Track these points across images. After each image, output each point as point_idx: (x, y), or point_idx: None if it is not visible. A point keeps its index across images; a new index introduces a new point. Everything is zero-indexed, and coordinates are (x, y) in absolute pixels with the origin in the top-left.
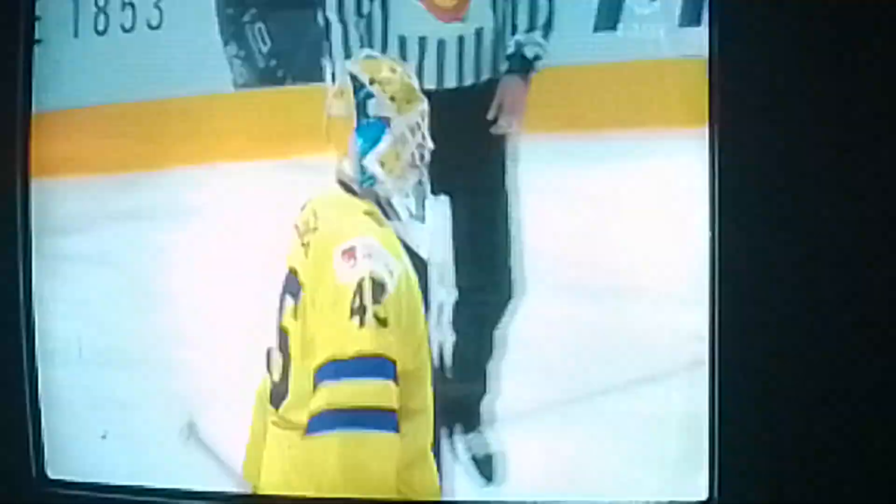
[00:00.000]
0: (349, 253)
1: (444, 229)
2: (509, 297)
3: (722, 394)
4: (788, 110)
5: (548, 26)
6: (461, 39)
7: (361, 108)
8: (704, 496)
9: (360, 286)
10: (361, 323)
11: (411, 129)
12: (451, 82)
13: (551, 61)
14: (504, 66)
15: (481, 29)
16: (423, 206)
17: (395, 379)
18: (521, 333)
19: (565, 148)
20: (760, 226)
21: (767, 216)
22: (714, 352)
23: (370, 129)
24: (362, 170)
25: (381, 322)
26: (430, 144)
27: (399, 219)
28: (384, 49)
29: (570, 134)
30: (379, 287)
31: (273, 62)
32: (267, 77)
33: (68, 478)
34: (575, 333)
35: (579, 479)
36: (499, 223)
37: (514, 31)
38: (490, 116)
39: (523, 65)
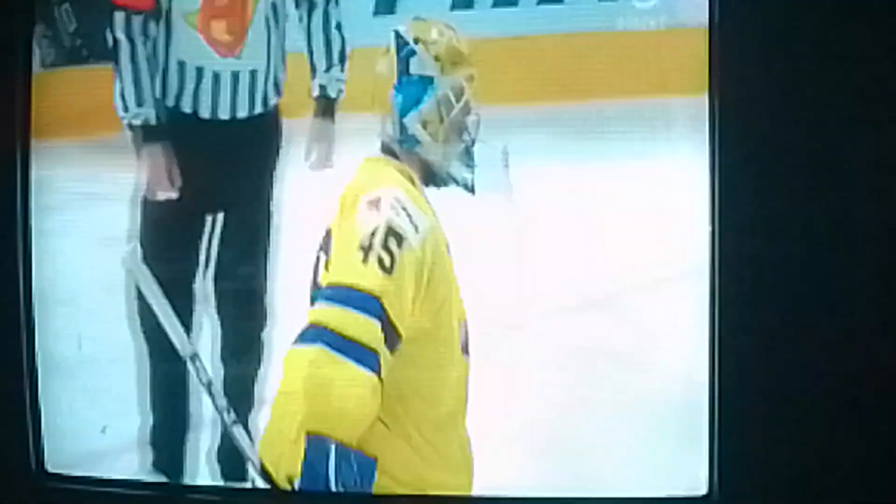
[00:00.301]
0: (374, 202)
1: (495, 200)
2: (263, 326)
3: (722, 388)
4: (790, 77)
5: (342, 59)
6: (236, 74)
7: (403, 66)
8: (704, 491)
9: (375, 230)
10: (364, 260)
11: (455, 93)
12: (224, 114)
13: (557, 28)
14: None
15: (255, 66)
16: (472, 175)
17: (383, 324)
18: (517, 333)
19: (562, 116)
20: (762, 199)
21: (769, 188)
22: (714, 345)
23: (412, 86)
24: (403, 129)
25: (385, 268)
26: (477, 110)
27: (444, 185)
28: (164, 75)
29: (569, 103)
30: (394, 236)
31: (78, 42)
32: (73, 57)
33: (67, 472)
34: (573, 327)
35: (579, 475)
36: (258, 251)
37: (313, 73)
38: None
39: (328, 104)
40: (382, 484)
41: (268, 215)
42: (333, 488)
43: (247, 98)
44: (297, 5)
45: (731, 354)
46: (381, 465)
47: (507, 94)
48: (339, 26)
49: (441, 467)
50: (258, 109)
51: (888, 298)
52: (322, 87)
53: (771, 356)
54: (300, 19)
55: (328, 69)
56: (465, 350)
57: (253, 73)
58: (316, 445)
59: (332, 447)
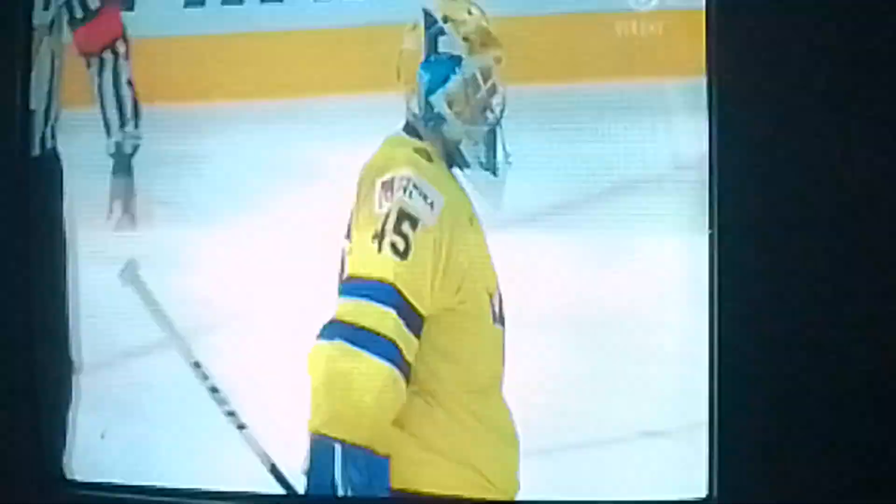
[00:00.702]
0: (386, 186)
1: (519, 182)
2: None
3: (722, 391)
4: (790, 58)
5: (137, 114)
6: None
7: (432, 44)
8: (704, 494)
9: (387, 215)
10: (379, 249)
11: (483, 73)
12: None
13: (547, 10)
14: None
15: (34, 108)
16: (495, 155)
17: (400, 310)
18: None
19: (556, 97)
20: (763, 184)
21: (770, 173)
22: (713, 348)
23: (439, 65)
24: (429, 107)
25: (399, 253)
26: (503, 91)
27: (467, 166)
28: None
29: (563, 85)
30: (407, 219)
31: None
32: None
33: (69, 477)
34: (569, 334)
35: (577, 477)
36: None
37: (108, 132)
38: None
39: (125, 160)
40: (423, 459)
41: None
42: (341, 491)
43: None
44: (88, 65)
45: (731, 356)
46: (425, 441)
47: (537, 81)
48: (129, 83)
49: (486, 441)
50: (35, 152)
51: (893, 297)
52: (118, 145)
53: (771, 357)
54: (91, 79)
55: (122, 126)
56: (500, 321)
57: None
58: (320, 447)
59: (338, 448)
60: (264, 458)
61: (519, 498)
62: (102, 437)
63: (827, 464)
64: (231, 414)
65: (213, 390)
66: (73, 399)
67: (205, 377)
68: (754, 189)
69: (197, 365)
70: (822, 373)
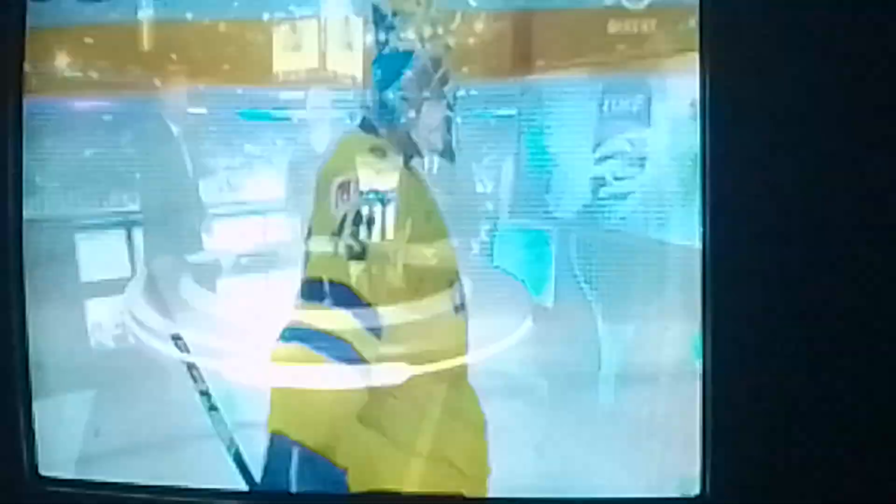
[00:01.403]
0: (344, 187)
1: (474, 167)
2: None
3: (714, 388)
4: (783, 57)
5: None
6: None
7: (382, 40)
8: (696, 492)
9: (344, 218)
10: (335, 251)
11: (434, 63)
12: None
13: (543, 4)
14: None
15: None
16: (451, 143)
17: (357, 311)
18: (509, 327)
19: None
20: (755, 179)
21: (762, 167)
22: (706, 346)
23: (391, 60)
24: (383, 103)
25: (355, 255)
26: (455, 79)
27: (421, 155)
28: None
29: (560, 76)
30: (363, 221)
31: None
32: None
33: (61, 475)
34: (562, 328)
35: (570, 476)
36: None
37: None
38: None
39: None
40: (396, 458)
41: None
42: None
43: None
44: None
45: (724, 353)
46: (396, 439)
47: (486, 69)
48: None
49: (456, 431)
50: None
51: (887, 296)
52: None
53: (764, 355)
54: None
55: None
56: (463, 309)
57: None
58: (279, 448)
59: (295, 451)
60: (230, 444)
61: (512, 495)
62: (97, 434)
63: (819, 464)
64: (204, 394)
65: (191, 366)
66: (64, 395)
67: (183, 350)
68: (748, 179)
69: (177, 337)
70: (814, 372)
